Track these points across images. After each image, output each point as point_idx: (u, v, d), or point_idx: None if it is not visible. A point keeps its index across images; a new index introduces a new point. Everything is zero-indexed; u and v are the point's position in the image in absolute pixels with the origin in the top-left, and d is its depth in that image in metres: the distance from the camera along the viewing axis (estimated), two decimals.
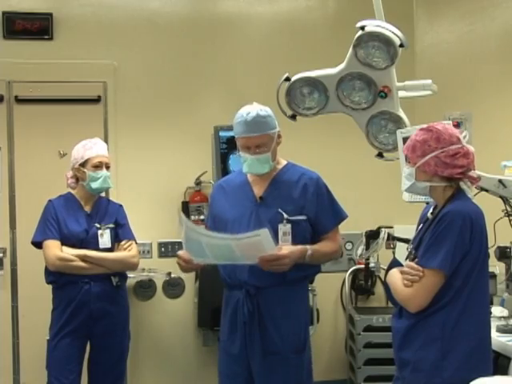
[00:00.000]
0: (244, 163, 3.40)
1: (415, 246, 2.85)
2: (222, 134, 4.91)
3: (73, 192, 4.14)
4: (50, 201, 4.13)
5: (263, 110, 3.35)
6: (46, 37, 5.04)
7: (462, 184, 2.79)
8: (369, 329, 4.89)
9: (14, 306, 5.00)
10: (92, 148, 4.07)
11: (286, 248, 3.25)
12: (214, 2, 5.33)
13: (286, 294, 3.37)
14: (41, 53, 5.04)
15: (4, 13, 4.97)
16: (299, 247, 3.30)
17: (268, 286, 3.33)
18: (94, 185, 4.04)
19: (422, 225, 2.92)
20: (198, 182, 5.16)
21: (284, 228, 3.33)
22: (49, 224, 4.02)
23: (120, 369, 4.15)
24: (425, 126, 2.83)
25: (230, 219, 3.42)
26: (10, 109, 5.03)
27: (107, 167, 4.07)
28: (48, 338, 4.03)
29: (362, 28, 3.48)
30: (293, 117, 3.73)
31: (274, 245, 3.16)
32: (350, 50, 3.52)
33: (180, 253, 3.36)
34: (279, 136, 3.41)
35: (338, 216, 3.49)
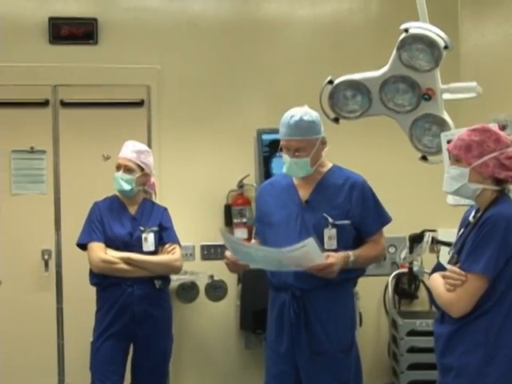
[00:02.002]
0: (284, 165, 3.44)
1: (457, 250, 2.81)
2: (264, 136, 4.91)
3: (118, 195, 4.18)
4: (95, 203, 4.17)
5: (309, 114, 3.37)
6: (91, 41, 5.09)
7: (511, 187, 2.76)
8: (412, 333, 4.84)
9: (58, 307, 5.06)
10: (121, 150, 4.13)
11: (333, 255, 3.27)
12: (256, 6, 5.34)
13: (332, 296, 3.39)
14: (85, 57, 5.09)
15: (50, 18, 5.03)
16: (342, 254, 3.32)
17: (313, 288, 3.35)
18: (114, 185, 4.09)
19: (463, 228, 2.89)
20: (241, 185, 5.17)
21: (329, 232, 3.35)
22: (94, 226, 4.06)
23: (163, 371, 4.18)
24: (478, 126, 2.80)
25: (277, 222, 3.46)
26: (55, 112, 5.09)
27: (127, 170, 4.08)
28: (91, 339, 4.08)
29: (406, 30, 3.45)
30: (336, 120, 3.72)
31: (321, 253, 3.18)
32: (394, 52, 3.50)
33: (227, 253, 3.40)
34: (323, 142, 3.43)
35: (383, 219, 3.51)
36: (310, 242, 3.10)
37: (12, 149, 5.06)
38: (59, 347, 5.08)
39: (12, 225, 5.02)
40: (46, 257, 5.06)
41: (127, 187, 4.08)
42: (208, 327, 5.25)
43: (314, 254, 3.16)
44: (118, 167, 4.09)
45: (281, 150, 3.45)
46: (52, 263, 5.08)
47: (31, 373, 4.95)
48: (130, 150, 4.12)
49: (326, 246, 3.31)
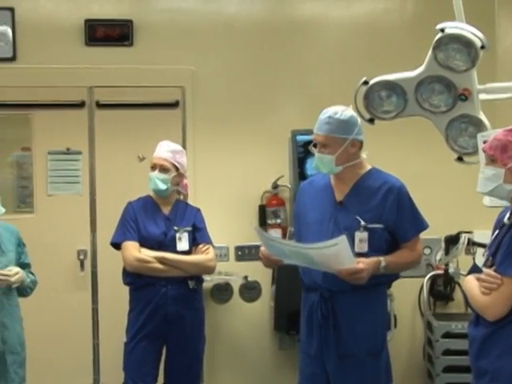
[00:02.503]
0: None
1: (492, 253, 2.78)
2: (299, 137, 4.91)
3: (151, 195, 4.20)
4: (129, 203, 4.20)
5: (343, 113, 3.36)
6: (126, 43, 5.12)
7: None
8: (447, 335, 4.80)
9: (94, 307, 5.10)
10: (156, 150, 4.15)
11: (363, 261, 3.25)
12: (291, 6, 5.33)
13: (361, 299, 3.36)
14: (121, 59, 5.12)
15: (86, 20, 5.07)
16: (374, 259, 3.30)
17: (342, 290, 3.33)
18: (149, 185, 4.11)
19: (498, 230, 2.85)
20: (275, 186, 5.17)
21: (360, 235, 3.33)
22: (128, 226, 4.09)
23: (195, 371, 4.20)
24: None
25: (311, 221, 3.46)
26: (91, 114, 5.13)
27: (163, 169, 4.09)
28: (125, 340, 4.10)
29: (442, 30, 3.42)
30: (371, 120, 3.70)
31: (352, 254, 3.16)
32: (430, 52, 3.48)
33: (262, 248, 3.43)
34: (354, 145, 3.40)
35: (419, 226, 3.46)
36: (343, 241, 3.07)
37: (48, 150, 5.11)
38: (94, 347, 5.12)
39: (48, 225, 5.07)
40: (82, 257, 5.10)
41: (163, 187, 4.09)
42: (242, 328, 5.26)
43: (345, 254, 3.13)
44: (154, 167, 4.11)
45: (314, 145, 3.45)
46: (87, 263, 5.12)
47: (67, 372, 5.00)
48: (166, 149, 4.14)
49: (356, 249, 3.28)
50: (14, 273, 3.74)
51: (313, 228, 3.41)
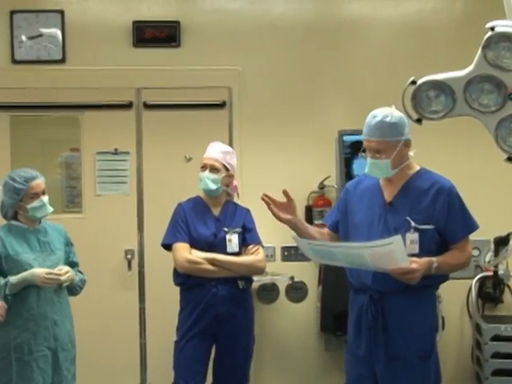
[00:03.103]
0: (366, 164, 3.41)
1: None
2: (346, 138, 4.89)
3: (201, 196, 4.22)
4: (179, 204, 4.22)
5: (393, 116, 3.34)
6: (174, 44, 5.16)
7: None
8: (497, 338, 4.74)
9: (141, 307, 5.14)
10: (207, 150, 4.18)
11: (417, 261, 3.21)
12: (337, 6, 5.31)
13: (411, 301, 3.34)
14: (168, 60, 5.16)
15: (134, 22, 5.12)
16: (426, 260, 3.26)
17: (392, 291, 3.31)
18: (200, 185, 4.12)
19: None
20: (322, 187, 5.16)
21: (411, 237, 3.30)
22: (178, 227, 4.11)
23: (244, 372, 4.20)
24: None
25: (359, 222, 3.44)
26: (138, 115, 5.17)
27: (213, 169, 4.11)
28: (175, 339, 4.12)
29: (492, 28, 3.37)
30: (418, 120, 3.66)
31: (406, 254, 3.13)
32: (479, 51, 3.43)
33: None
34: (406, 145, 3.38)
35: (469, 227, 3.41)
36: (398, 240, 3.06)
37: (97, 150, 5.16)
38: (142, 347, 5.16)
39: (96, 225, 5.13)
40: (129, 256, 5.14)
41: (213, 186, 4.11)
42: (288, 328, 5.25)
43: (399, 254, 3.12)
44: (204, 167, 4.13)
45: (364, 150, 3.42)
46: (135, 263, 5.16)
47: (114, 372, 5.05)
48: (217, 150, 4.16)
49: (407, 251, 3.24)
50: (65, 272, 3.80)
51: (361, 229, 3.39)
